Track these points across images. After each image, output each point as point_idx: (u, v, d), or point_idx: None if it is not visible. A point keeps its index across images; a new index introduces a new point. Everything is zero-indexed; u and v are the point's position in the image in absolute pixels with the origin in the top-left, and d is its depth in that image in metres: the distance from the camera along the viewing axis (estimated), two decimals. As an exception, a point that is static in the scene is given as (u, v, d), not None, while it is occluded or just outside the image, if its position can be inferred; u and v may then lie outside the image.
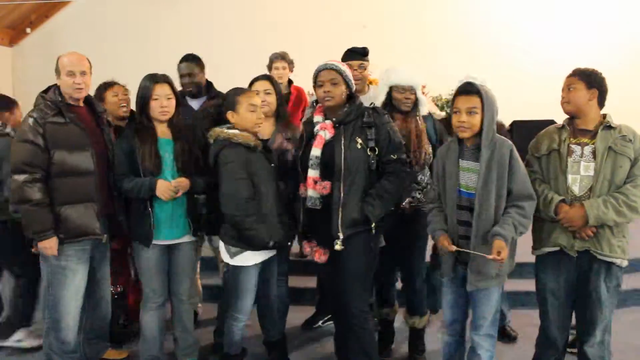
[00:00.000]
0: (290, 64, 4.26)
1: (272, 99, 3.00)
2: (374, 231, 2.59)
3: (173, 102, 2.82)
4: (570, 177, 2.48)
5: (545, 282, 2.59)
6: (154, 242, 2.77)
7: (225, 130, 2.66)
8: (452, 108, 2.46)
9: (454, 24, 6.96)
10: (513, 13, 6.94)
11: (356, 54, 3.28)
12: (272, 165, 2.73)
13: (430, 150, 2.94)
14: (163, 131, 2.82)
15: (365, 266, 2.65)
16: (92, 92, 3.05)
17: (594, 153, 2.46)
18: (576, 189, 2.47)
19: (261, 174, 2.65)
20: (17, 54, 7.38)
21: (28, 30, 7.27)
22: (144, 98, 2.76)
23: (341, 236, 2.53)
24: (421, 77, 2.96)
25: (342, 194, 2.54)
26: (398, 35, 6.83)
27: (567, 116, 2.59)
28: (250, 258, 2.72)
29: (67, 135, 2.68)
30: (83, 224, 2.71)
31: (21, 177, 2.60)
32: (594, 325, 2.52)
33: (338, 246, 2.53)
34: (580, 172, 2.47)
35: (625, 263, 2.50)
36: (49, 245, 2.65)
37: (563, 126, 2.57)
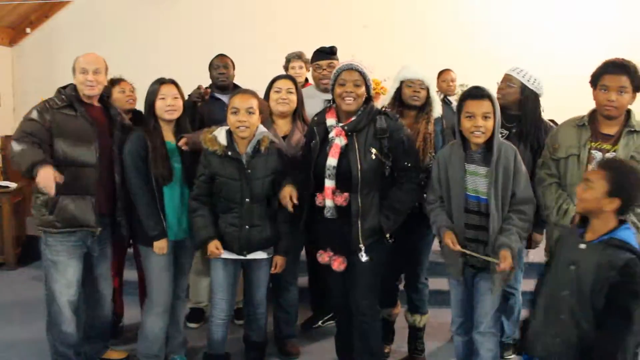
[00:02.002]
0: (307, 63, 4.26)
1: (293, 98, 3.06)
2: (388, 241, 2.62)
3: (180, 102, 2.83)
4: None
5: None
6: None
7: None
8: (461, 112, 2.39)
9: (454, 24, 6.95)
10: (513, 13, 6.93)
11: (324, 54, 3.30)
12: (248, 170, 2.72)
13: (434, 155, 2.86)
14: (168, 136, 2.82)
15: (380, 274, 2.69)
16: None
17: None
18: None
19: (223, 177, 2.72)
20: (17, 54, 7.35)
21: (28, 30, 7.24)
22: (150, 99, 2.78)
23: (363, 248, 2.54)
24: (431, 74, 2.94)
25: (360, 206, 2.53)
26: (398, 35, 6.82)
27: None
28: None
29: (74, 128, 2.71)
30: (78, 215, 2.71)
31: (20, 145, 2.58)
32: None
33: (363, 258, 2.54)
34: None
35: None
36: (47, 175, 2.48)
37: (584, 124, 2.44)
